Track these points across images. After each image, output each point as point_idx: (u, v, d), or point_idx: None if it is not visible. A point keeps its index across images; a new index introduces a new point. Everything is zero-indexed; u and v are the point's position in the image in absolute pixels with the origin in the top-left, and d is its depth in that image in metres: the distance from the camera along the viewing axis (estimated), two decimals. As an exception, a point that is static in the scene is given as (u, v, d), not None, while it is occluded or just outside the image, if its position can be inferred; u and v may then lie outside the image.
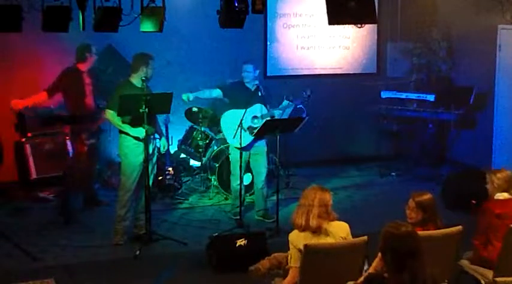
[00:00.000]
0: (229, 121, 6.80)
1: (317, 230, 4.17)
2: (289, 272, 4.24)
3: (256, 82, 6.83)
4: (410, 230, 3.32)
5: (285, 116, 7.42)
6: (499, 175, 4.75)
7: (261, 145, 6.88)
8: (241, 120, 6.47)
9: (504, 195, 4.72)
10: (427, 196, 4.47)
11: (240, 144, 6.55)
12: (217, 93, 6.90)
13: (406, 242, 3.24)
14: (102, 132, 7.42)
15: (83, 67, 7.03)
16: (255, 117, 6.67)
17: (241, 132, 6.50)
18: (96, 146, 7.27)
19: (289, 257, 4.25)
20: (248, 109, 6.63)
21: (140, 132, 6.05)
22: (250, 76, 6.76)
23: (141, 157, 6.14)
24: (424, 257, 3.25)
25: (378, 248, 3.39)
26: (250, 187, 7.35)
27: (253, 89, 6.78)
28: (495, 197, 4.75)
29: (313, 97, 6.98)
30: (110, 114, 6.12)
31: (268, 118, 6.66)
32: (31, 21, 5.35)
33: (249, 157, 6.87)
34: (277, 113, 6.74)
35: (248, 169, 7.04)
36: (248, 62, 6.87)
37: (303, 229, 4.18)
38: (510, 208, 4.64)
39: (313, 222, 4.14)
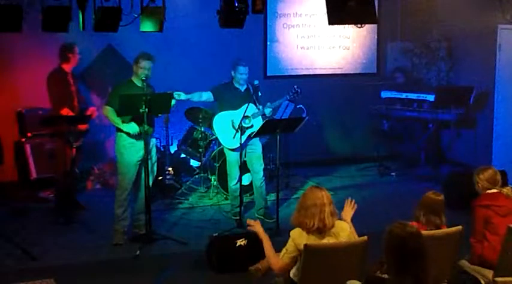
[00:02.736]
0: (221, 123, 6.80)
1: (326, 231, 4.15)
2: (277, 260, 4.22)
3: (245, 84, 6.80)
4: (416, 232, 3.31)
5: (285, 116, 7.44)
6: (481, 176, 4.83)
7: (256, 144, 6.87)
8: (240, 122, 6.49)
9: (492, 190, 4.79)
10: (439, 198, 4.55)
11: (240, 145, 6.55)
12: (207, 96, 6.78)
13: (412, 243, 3.23)
14: (87, 133, 7.22)
15: (67, 67, 6.98)
16: (246, 117, 6.65)
17: (240, 134, 6.50)
18: (80, 148, 7.10)
19: (283, 251, 4.20)
20: (239, 110, 6.64)
21: (132, 127, 6.04)
22: (244, 78, 6.70)
23: (137, 156, 6.15)
24: (428, 260, 3.23)
25: (382, 248, 3.37)
26: (250, 187, 7.35)
27: (243, 89, 6.76)
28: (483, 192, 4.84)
29: (313, 98, 6.98)
30: (107, 110, 6.11)
31: (268, 118, 6.66)
32: (31, 21, 5.35)
33: (245, 157, 6.87)
34: (267, 111, 6.70)
35: (246, 169, 7.03)
36: (242, 63, 6.68)
37: (314, 230, 4.13)
38: (499, 200, 4.69)
39: (329, 221, 4.10)
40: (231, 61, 6.86)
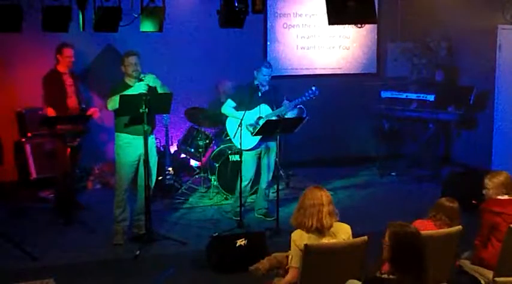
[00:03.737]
0: (234, 124, 6.79)
1: (325, 231, 4.16)
2: (289, 271, 4.23)
3: (266, 86, 6.80)
4: (417, 232, 3.32)
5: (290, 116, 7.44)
6: (494, 179, 4.76)
7: (273, 146, 6.85)
8: (240, 122, 6.49)
9: (504, 196, 4.73)
10: (453, 205, 4.58)
11: (240, 145, 6.55)
12: (232, 105, 6.80)
13: (414, 243, 3.24)
14: (86, 133, 7.19)
15: (61, 68, 6.95)
16: (259, 117, 6.66)
17: (241, 133, 6.49)
18: (78, 148, 7.09)
19: (290, 257, 4.23)
20: (253, 110, 6.63)
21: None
22: (267, 79, 6.70)
23: (134, 156, 6.15)
24: (428, 260, 3.24)
25: (384, 248, 3.37)
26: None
27: (263, 90, 6.75)
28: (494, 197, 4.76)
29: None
30: (108, 102, 6.07)
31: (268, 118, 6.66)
32: (31, 21, 5.35)
33: (263, 156, 6.85)
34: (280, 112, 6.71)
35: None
36: (266, 64, 6.73)
37: (313, 230, 4.14)
38: (509, 208, 4.64)
39: (327, 221, 4.11)
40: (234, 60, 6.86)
